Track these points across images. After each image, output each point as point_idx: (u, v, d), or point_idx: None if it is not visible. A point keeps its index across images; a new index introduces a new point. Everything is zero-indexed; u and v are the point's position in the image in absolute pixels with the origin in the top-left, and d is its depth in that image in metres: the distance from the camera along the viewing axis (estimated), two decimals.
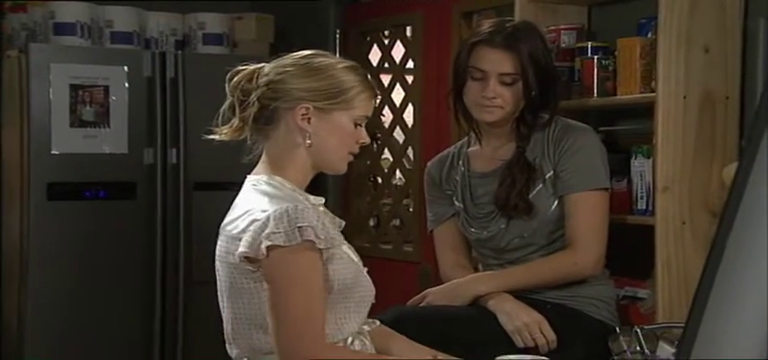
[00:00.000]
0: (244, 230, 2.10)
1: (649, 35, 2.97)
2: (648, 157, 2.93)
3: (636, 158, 2.99)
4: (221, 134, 2.24)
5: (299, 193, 2.20)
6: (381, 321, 2.45)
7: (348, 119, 2.21)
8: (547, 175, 2.78)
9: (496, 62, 2.76)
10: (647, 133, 2.95)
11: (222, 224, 2.23)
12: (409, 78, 4.56)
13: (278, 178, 2.20)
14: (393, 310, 2.65)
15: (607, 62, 3.05)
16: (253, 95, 2.19)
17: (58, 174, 4.19)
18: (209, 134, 2.25)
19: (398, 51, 4.60)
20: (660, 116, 2.83)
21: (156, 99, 4.35)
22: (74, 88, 4.19)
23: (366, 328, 2.28)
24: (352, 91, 2.20)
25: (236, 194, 2.26)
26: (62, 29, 4.34)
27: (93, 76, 4.23)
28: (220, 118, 2.25)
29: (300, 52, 2.26)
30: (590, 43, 3.16)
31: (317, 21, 4.81)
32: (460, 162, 2.96)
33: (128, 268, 4.34)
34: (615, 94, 3.03)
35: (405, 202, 4.67)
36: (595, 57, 3.07)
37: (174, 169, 4.38)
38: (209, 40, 4.63)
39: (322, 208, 2.25)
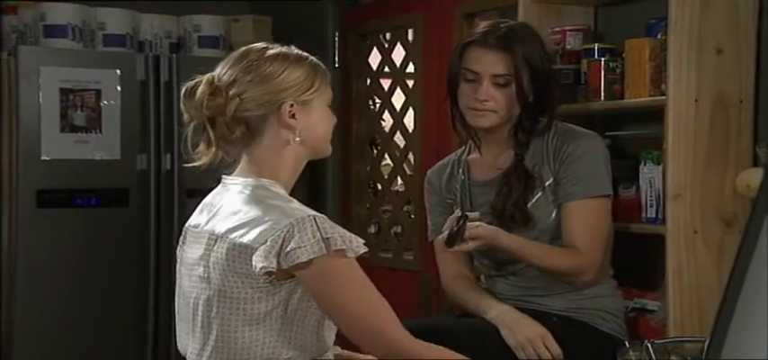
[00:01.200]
0: (258, 240, 2.03)
1: (659, 36, 2.92)
2: (658, 164, 2.89)
3: (645, 165, 2.94)
4: (201, 160, 2.19)
5: (298, 203, 2.15)
6: None
7: (324, 103, 2.22)
8: (546, 183, 2.74)
9: (489, 63, 2.72)
10: (656, 138, 2.90)
11: (207, 227, 2.16)
12: (410, 82, 4.52)
13: (270, 181, 2.16)
14: None
15: (615, 64, 3.01)
16: (228, 113, 2.13)
17: (48, 180, 4.16)
18: (188, 162, 2.21)
19: (399, 54, 4.56)
20: (671, 120, 2.78)
21: (150, 103, 4.31)
22: (64, 92, 4.16)
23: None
24: (319, 75, 2.20)
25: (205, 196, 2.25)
26: (53, 31, 4.31)
27: (84, 80, 4.19)
28: (189, 142, 2.18)
29: (247, 50, 2.20)
30: (597, 45, 3.12)
31: (316, 23, 4.77)
32: (460, 170, 2.92)
33: (120, 277, 4.30)
34: (623, 98, 2.99)
35: (405, 208, 4.63)
36: (602, 59, 3.03)
37: (167, 175, 4.34)
38: (204, 43, 4.59)
39: None
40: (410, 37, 4.48)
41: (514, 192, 2.73)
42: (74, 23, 4.31)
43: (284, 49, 2.21)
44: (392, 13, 4.51)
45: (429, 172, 3.02)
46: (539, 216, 2.73)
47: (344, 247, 2.03)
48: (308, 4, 4.80)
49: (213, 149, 2.16)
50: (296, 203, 2.11)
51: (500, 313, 2.68)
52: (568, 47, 3.16)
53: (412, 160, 4.52)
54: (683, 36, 2.77)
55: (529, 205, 2.73)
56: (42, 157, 4.13)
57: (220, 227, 2.12)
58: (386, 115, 4.66)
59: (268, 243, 2.01)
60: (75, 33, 4.32)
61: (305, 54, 2.22)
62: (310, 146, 2.20)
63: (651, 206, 2.91)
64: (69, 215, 4.20)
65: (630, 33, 3.02)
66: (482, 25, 2.82)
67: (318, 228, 2.01)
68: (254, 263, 2.02)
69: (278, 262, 2.01)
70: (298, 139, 2.16)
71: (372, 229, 4.78)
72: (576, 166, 2.70)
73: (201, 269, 2.14)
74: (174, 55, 4.46)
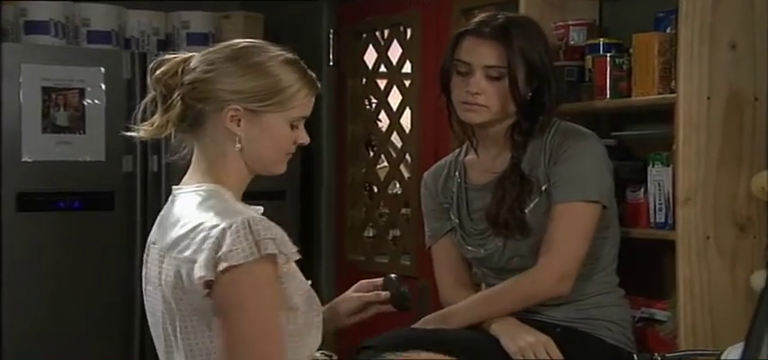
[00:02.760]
0: (197, 250, 1.95)
1: (668, 30, 2.88)
2: (668, 165, 2.84)
3: (654, 166, 2.89)
4: (140, 132, 2.15)
5: (240, 204, 2.07)
6: (379, 346, 2.42)
7: (283, 121, 2.09)
8: (543, 187, 2.64)
9: (482, 54, 2.63)
10: (666, 138, 2.86)
11: (159, 244, 2.08)
12: (407, 82, 4.48)
13: (214, 186, 2.08)
14: (392, 334, 2.58)
15: (621, 60, 2.96)
16: (176, 94, 2.09)
17: (30, 183, 4.12)
18: (127, 131, 2.18)
19: (395, 52, 4.52)
20: (681, 119, 2.73)
21: (136, 103, 4.12)
22: (46, 91, 4.12)
23: (318, 355, 2.16)
24: (289, 90, 2.08)
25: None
26: (35, 27, 4.26)
27: (67, 78, 4.15)
28: (140, 112, 2.16)
29: (231, 43, 2.16)
30: (602, 40, 3.08)
31: (310, 20, 4.72)
32: (457, 172, 2.84)
33: (105, 283, 4.25)
34: (630, 96, 2.94)
35: (403, 212, 4.58)
36: (608, 55, 2.98)
37: (154, 178, 4.29)
38: (193, 40, 4.52)
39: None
40: (407, 35, 4.43)
41: (508, 197, 2.63)
42: (56, 19, 4.27)
43: (272, 52, 2.10)
44: (388, 10, 4.47)
45: (425, 174, 2.94)
46: (535, 223, 2.62)
47: (274, 251, 1.91)
48: (303, 0, 4.74)
49: (154, 128, 2.11)
50: (238, 206, 2.04)
51: (501, 324, 2.60)
52: (572, 42, 3.12)
53: (409, 162, 4.48)
54: (695, 30, 2.72)
55: (526, 211, 2.63)
56: (23, 159, 4.08)
57: (166, 241, 2.05)
58: (382, 115, 4.62)
59: (205, 253, 1.92)
60: (58, 30, 4.28)
61: (294, 65, 2.10)
62: (252, 160, 2.10)
63: (660, 210, 2.86)
64: (51, 219, 4.16)
65: (638, 27, 2.98)
66: (479, 16, 2.74)
67: (251, 230, 1.90)
68: (195, 273, 1.92)
69: (214, 270, 1.90)
70: (238, 146, 2.07)
71: (368, 234, 4.74)
72: (563, 168, 2.60)
73: (160, 286, 2.06)
74: (162, 52, 4.34)
